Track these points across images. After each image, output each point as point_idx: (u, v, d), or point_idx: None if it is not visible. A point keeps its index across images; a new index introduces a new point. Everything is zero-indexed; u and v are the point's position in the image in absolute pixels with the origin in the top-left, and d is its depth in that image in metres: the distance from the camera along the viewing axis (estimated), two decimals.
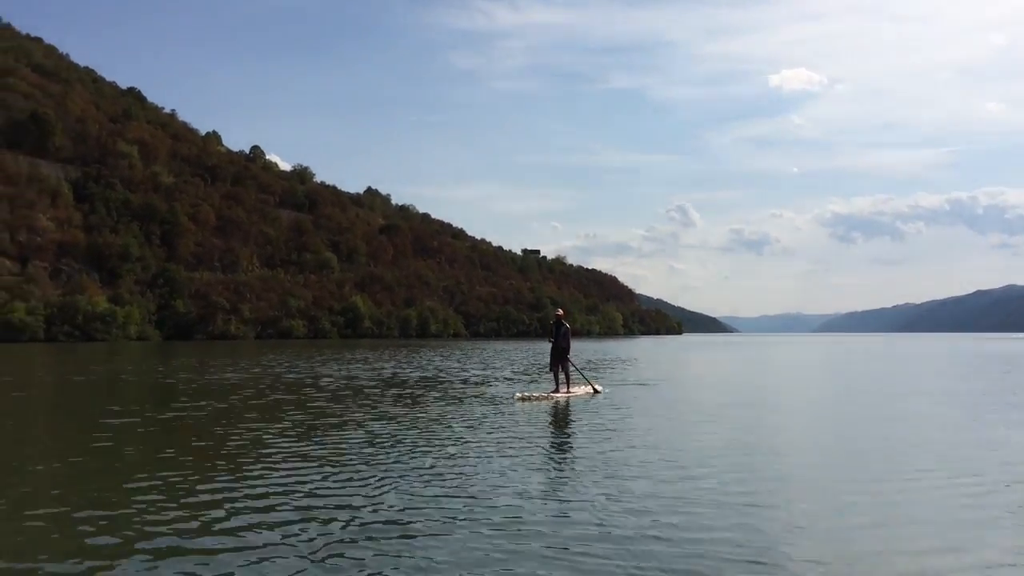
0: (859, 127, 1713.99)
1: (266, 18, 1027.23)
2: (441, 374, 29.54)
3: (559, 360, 20.13)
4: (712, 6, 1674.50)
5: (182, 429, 13.89)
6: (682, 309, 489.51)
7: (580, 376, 21.77)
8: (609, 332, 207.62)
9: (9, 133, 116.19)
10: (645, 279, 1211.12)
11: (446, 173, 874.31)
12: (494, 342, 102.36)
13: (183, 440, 12.56)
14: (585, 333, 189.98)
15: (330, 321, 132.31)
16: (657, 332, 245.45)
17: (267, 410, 16.77)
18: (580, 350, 59.53)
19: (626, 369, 34.24)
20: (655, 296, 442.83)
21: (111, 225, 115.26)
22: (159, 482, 9.04)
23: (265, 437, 12.56)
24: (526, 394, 19.12)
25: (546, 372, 23.10)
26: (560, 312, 21.20)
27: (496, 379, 26.80)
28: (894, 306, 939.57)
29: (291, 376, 28.22)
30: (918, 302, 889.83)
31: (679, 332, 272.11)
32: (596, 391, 20.62)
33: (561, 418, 15.68)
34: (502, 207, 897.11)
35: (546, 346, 21.15)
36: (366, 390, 21.88)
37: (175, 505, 7.96)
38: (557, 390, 19.73)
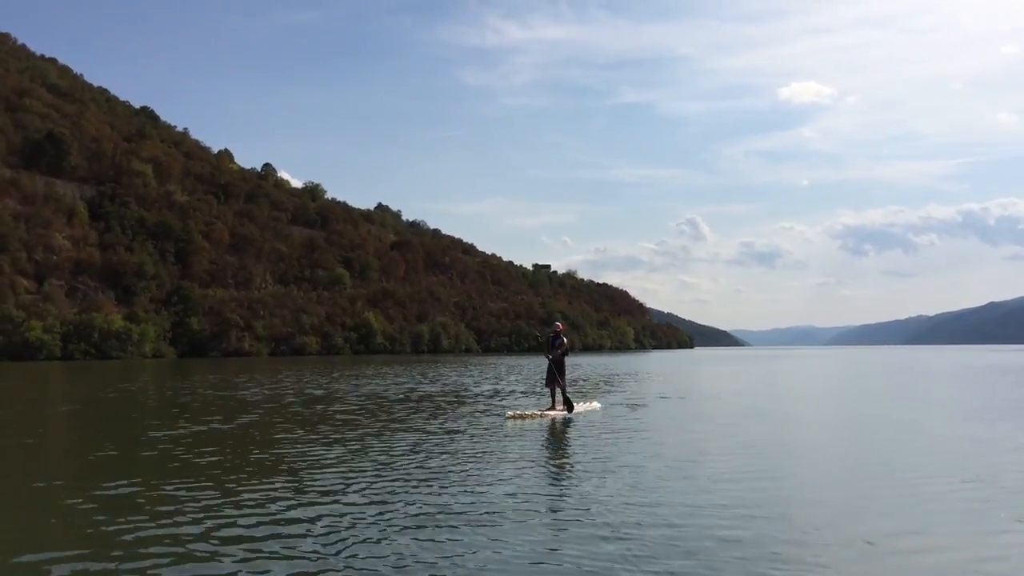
0: (870, 139, 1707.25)
1: (275, 36, 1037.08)
2: (456, 389, 29.94)
3: (556, 377, 19.32)
4: (721, 20, 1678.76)
5: (219, 441, 14.34)
6: (693, 323, 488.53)
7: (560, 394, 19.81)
8: (621, 346, 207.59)
9: (25, 153, 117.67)
10: (656, 293, 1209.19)
11: (456, 189, 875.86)
12: (506, 357, 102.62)
13: (221, 451, 13.02)
14: (597, 348, 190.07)
15: (343, 337, 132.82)
16: (668, 346, 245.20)
17: (294, 423, 17.30)
18: (593, 365, 59.81)
19: (639, 384, 34.51)
20: (666, 310, 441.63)
21: (126, 243, 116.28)
22: (205, 487, 9.55)
23: (293, 447, 13.07)
24: (517, 412, 18.49)
25: (544, 388, 21.52)
26: (560, 326, 20.44)
27: (510, 393, 27.19)
28: (907, 318, 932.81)
29: (314, 392, 28.79)
30: (931, 314, 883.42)
31: (691, 346, 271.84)
32: (571, 408, 19.10)
33: (565, 434, 15.83)
34: (512, 222, 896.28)
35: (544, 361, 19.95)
36: (385, 404, 22.34)
37: (225, 505, 8.48)
38: (553, 407, 19.07)
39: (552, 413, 18.58)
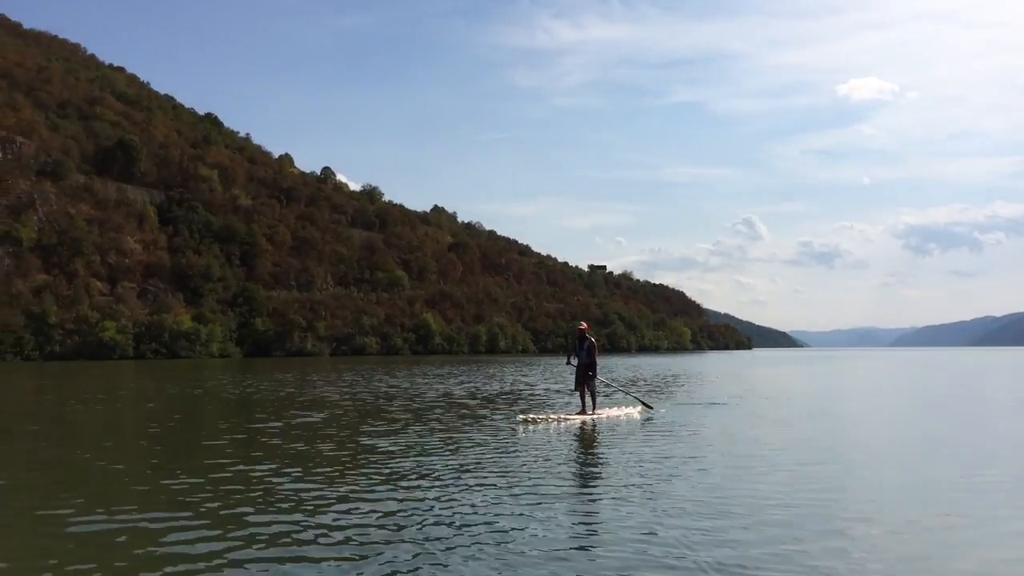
0: (933, 135, 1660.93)
1: (329, 41, 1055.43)
2: (519, 388, 30.67)
3: (585, 379, 18.64)
4: (776, 17, 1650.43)
5: (310, 432, 15.32)
6: (751, 324, 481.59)
7: (627, 397, 19.82)
8: (677, 347, 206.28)
9: (98, 160, 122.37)
10: (712, 294, 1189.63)
11: (510, 190, 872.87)
12: (562, 358, 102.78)
13: (311, 441, 14.00)
14: (653, 348, 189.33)
15: (402, 338, 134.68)
16: (726, 347, 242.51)
17: (376, 417, 18.31)
18: (651, 366, 59.89)
19: (701, 387, 34.74)
20: (723, 311, 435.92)
21: (194, 246, 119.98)
22: (298, 475, 10.40)
23: (378, 439, 13.92)
24: (531, 416, 17.49)
25: (573, 391, 20.31)
26: (584, 326, 19.46)
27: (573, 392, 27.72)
28: (973, 319, 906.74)
29: (386, 389, 30.19)
30: (998, 315, 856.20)
31: (749, 347, 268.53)
32: (649, 408, 19.23)
33: (604, 436, 15.41)
34: (566, 223, 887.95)
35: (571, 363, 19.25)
36: (454, 402, 23.24)
37: (317, 491, 9.19)
38: (584, 412, 18.37)
39: (582, 417, 17.97)
